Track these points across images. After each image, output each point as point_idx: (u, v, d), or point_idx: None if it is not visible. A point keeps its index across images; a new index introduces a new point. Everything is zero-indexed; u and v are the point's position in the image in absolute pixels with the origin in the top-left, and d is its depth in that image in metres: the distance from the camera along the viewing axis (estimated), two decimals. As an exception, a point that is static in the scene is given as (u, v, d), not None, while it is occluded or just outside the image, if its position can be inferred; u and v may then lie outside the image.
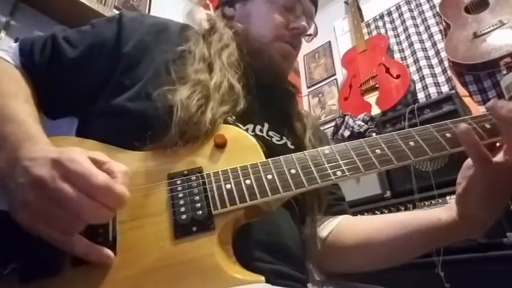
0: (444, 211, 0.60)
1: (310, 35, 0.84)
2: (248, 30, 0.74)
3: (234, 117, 0.61)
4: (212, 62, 0.64)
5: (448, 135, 0.53)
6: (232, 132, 0.57)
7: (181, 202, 0.48)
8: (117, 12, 2.09)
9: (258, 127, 0.66)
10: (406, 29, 2.50)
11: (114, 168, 0.43)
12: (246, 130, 0.62)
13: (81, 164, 0.40)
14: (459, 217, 0.57)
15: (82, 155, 0.42)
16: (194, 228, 0.46)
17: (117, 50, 0.63)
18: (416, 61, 2.34)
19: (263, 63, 0.71)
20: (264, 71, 0.70)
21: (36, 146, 0.44)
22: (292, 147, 0.68)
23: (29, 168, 0.40)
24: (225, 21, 0.75)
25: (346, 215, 0.76)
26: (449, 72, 2.15)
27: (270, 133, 0.68)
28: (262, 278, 0.44)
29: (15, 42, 0.64)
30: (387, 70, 2.28)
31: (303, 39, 0.81)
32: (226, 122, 0.59)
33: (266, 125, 0.68)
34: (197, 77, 0.60)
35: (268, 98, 0.72)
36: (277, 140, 0.68)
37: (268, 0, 0.76)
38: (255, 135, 0.62)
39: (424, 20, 2.44)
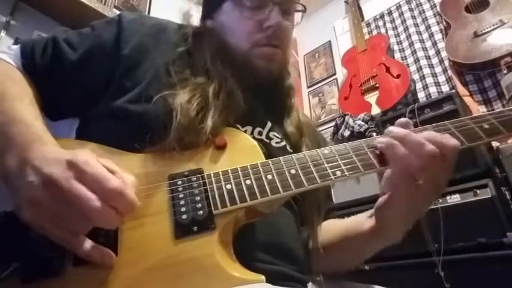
0: (366, 220, 0.62)
1: (299, 11, 0.75)
2: (227, 42, 0.70)
3: (234, 117, 0.61)
4: (208, 67, 0.64)
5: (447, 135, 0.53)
6: (232, 134, 0.57)
7: (182, 202, 0.48)
8: (117, 12, 2.09)
9: (257, 129, 0.66)
10: (406, 29, 2.50)
11: (124, 178, 0.43)
12: (244, 132, 0.63)
13: (96, 167, 0.41)
14: (378, 227, 0.59)
15: (94, 158, 0.42)
16: (195, 228, 0.46)
17: (116, 52, 0.63)
18: (416, 60, 2.34)
19: (252, 70, 0.69)
20: (256, 74, 0.69)
21: (46, 146, 0.45)
22: (291, 150, 0.68)
23: (41, 167, 0.40)
24: (209, 32, 0.73)
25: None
26: (449, 72, 2.15)
27: (271, 134, 0.68)
28: (263, 278, 0.44)
29: (16, 41, 0.65)
30: (387, 70, 2.28)
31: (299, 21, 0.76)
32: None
33: (268, 125, 0.68)
34: (196, 81, 0.61)
35: (266, 98, 0.71)
36: (277, 142, 0.67)
37: (234, 7, 0.70)
38: (253, 138, 0.62)
39: (425, 20, 2.44)
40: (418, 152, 0.48)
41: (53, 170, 0.40)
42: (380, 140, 0.52)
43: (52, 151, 0.44)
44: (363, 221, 0.63)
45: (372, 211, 0.61)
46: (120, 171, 0.44)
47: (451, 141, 0.50)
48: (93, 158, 0.42)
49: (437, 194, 0.54)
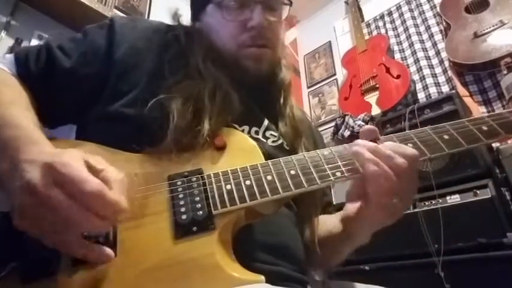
0: (339, 223, 0.65)
1: (285, 4, 0.72)
2: (216, 43, 0.69)
3: (231, 117, 0.61)
4: (201, 69, 0.64)
5: (446, 136, 0.54)
6: (231, 135, 0.58)
7: (182, 202, 0.48)
8: (118, 12, 2.09)
9: (254, 129, 0.66)
10: (406, 29, 2.50)
11: (110, 177, 0.41)
12: (242, 132, 0.63)
13: (74, 168, 0.39)
14: (346, 233, 0.63)
15: (77, 158, 0.40)
16: (194, 228, 0.46)
17: (110, 57, 0.63)
18: (416, 61, 2.34)
19: (242, 70, 0.68)
20: (246, 74, 0.69)
21: (38, 147, 0.44)
22: (288, 148, 0.68)
23: (25, 171, 0.39)
24: (199, 33, 0.72)
25: None
26: (449, 72, 2.15)
27: (267, 133, 0.68)
28: (262, 278, 0.44)
29: (16, 41, 0.65)
30: (387, 70, 2.28)
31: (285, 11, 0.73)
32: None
33: (264, 124, 0.68)
34: (191, 83, 0.61)
35: (261, 97, 0.71)
36: (273, 141, 0.67)
37: (217, 9, 0.69)
38: (250, 137, 0.62)
39: (425, 20, 2.44)
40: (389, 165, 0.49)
41: (33, 175, 0.38)
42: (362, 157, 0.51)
43: (38, 152, 0.43)
44: (337, 223, 0.65)
45: (342, 216, 0.63)
46: (107, 169, 0.42)
47: (408, 150, 0.50)
48: (74, 158, 0.40)
49: (403, 208, 0.55)
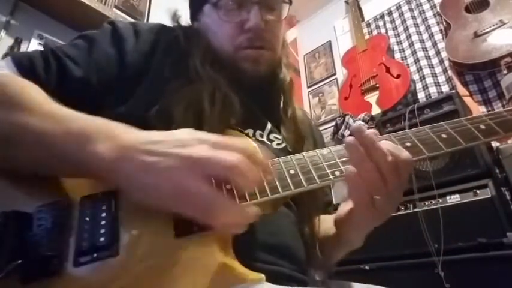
0: (332, 227, 0.64)
1: (285, 2, 0.71)
2: (213, 45, 0.69)
3: (234, 121, 0.61)
4: (199, 72, 0.63)
5: (444, 135, 0.54)
6: (232, 136, 0.57)
7: (182, 202, 0.48)
8: (118, 11, 2.09)
9: (258, 132, 0.66)
10: (406, 29, 2.51)
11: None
12: (246, 135, 0.63)
13: (224, 139, 0.42)
14: (338, 237, 0.63)
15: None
16: (195, 228, 0.46)
17: (121, 63, 0.63)
18: (416, 61, 2.34)
19: (240, 72, 0.68)
20: (244, 76, 0.68)
21: (138, 132, 0.45)
22: (291, 150, 0.68)
23: (168, 149, 0.40)
24: (197, 34, 0.72)
25: None
26: (449, 72, 2.15)
27: (271, 136, 0.67)
28: (262, 276, 0.44)
29: (16, 41, 0.64)
30: (387, 70, 2.28)
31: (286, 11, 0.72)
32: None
33: (268, 127, 0.68)
34: (192, 87, 0.60)
35: (262, 99, 0.70)
36: (278, 144, 0.67)
37: (214, 9, 0.68)
38: (255, 141, 0.62)
39: (425, 20, 2.44)
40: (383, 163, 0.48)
41: (193, 149, 0.40)
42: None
43: (160, 134, 0.44)
44: (331, 226, 0.65)
45: (334, 217, 0.63)
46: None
47: (403, 153, 0.49)
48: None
49: (392, 209, 0.54)
